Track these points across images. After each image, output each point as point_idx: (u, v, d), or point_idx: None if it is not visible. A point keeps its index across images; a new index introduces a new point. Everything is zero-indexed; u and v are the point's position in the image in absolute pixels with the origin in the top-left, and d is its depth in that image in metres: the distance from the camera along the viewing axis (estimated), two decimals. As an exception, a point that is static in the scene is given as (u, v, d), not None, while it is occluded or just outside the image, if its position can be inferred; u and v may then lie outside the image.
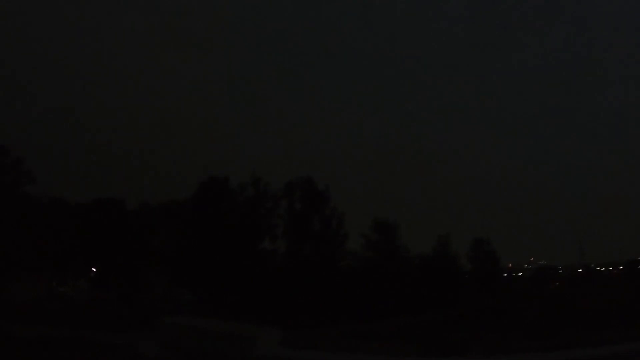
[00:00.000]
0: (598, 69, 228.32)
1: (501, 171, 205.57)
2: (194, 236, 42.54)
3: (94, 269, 47.76)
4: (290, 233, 39.59)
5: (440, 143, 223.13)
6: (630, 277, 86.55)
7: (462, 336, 21.70)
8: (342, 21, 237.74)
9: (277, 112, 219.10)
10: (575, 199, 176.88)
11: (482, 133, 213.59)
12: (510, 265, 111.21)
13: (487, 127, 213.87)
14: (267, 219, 40.13)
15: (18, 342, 16.84)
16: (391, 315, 38.72)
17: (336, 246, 40.03)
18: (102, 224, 43.55)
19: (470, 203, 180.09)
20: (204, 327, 15.07)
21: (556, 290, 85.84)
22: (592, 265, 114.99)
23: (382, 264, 42.12)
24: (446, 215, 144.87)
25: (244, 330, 14.76)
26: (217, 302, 40.85)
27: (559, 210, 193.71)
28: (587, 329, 22.97)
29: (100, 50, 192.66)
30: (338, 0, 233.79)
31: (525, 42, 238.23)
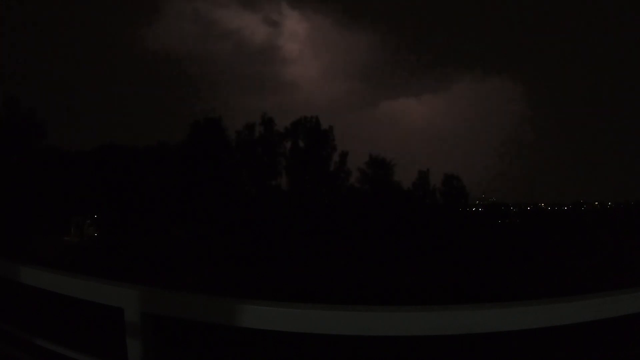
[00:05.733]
0: None
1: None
2: (188, 176, 44.89)
3: (95, 216, 48.79)
4: (294, 170, 42.97)
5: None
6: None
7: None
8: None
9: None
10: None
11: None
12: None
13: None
14: (271, 157, 43.05)
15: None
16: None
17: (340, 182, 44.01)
18: (104, 170, 44.53)
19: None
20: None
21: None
22: (541, 204, 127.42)
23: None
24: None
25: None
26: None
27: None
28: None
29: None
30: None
31: None
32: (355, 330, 1.32)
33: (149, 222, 48.21)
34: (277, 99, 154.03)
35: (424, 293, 23.35)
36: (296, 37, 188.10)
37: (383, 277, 28.44)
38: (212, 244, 43.19)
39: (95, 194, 45.11)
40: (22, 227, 38.75)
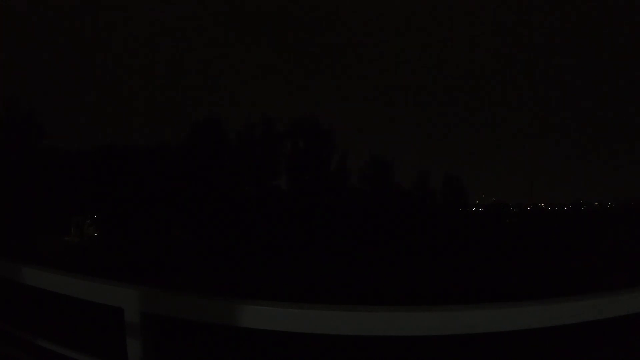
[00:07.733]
0: None
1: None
2: (189, 177, 44.96)
3: (95, 216, 48.79)
4: (294, 171, 43.03)
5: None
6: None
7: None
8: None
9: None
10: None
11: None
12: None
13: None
14: (271, 157, 43.09)
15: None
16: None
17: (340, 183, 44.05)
18: (104, 170, 44.54)
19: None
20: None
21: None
22: (541, 204, 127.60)
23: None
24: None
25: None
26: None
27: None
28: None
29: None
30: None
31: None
32: (355, 330, 1.31)
33: (149, 222, 48.22)
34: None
35: (424, 293, 23.35)
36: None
37: (383, 277, 28.44)
38: (212, 244, 43.20)
39: (95, 194, 45.10)
40: (22, 227, 38.78)
